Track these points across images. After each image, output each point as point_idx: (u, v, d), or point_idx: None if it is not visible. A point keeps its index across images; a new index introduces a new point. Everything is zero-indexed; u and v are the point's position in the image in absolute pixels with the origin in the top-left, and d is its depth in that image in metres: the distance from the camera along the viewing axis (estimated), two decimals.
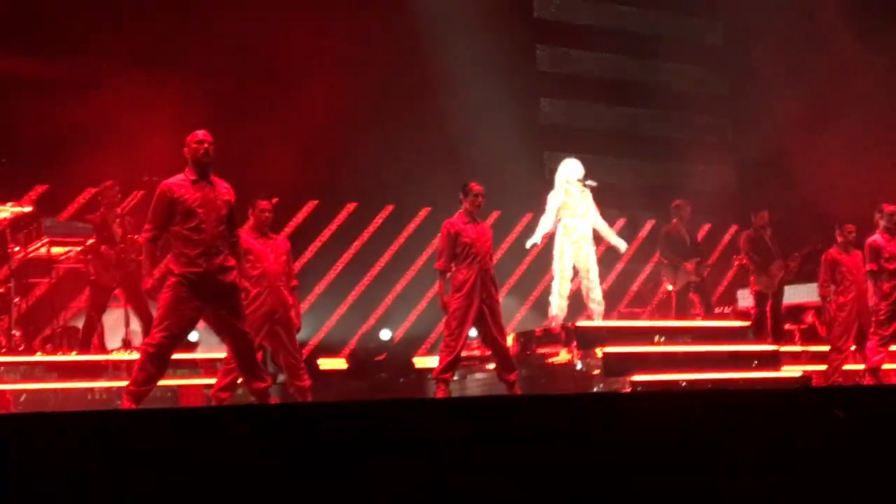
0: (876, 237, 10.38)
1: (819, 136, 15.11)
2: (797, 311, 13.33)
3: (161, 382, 7.44)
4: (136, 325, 9.93)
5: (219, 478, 4.31)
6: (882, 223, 10.39)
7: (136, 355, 7.92)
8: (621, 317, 13.94)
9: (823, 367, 11.13)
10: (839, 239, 11.00)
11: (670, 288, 12.21)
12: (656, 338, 10.27)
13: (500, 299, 9.13)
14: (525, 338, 10.23)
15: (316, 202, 14.60)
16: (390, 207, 15.23)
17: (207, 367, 9.53)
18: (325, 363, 12.96)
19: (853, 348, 11.07)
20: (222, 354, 8.08)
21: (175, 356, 7.31)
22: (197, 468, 4.31)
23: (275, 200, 8.96)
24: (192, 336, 10.29)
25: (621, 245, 10.38)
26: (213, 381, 8.56)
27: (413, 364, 13.00)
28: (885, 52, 15.32)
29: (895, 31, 15.11)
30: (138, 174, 9.87)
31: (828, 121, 15.42)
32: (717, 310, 12.79)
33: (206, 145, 7.04)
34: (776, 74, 16.14)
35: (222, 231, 7.04)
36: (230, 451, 4.40)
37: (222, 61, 13.36)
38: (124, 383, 7.48)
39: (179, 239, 6.95)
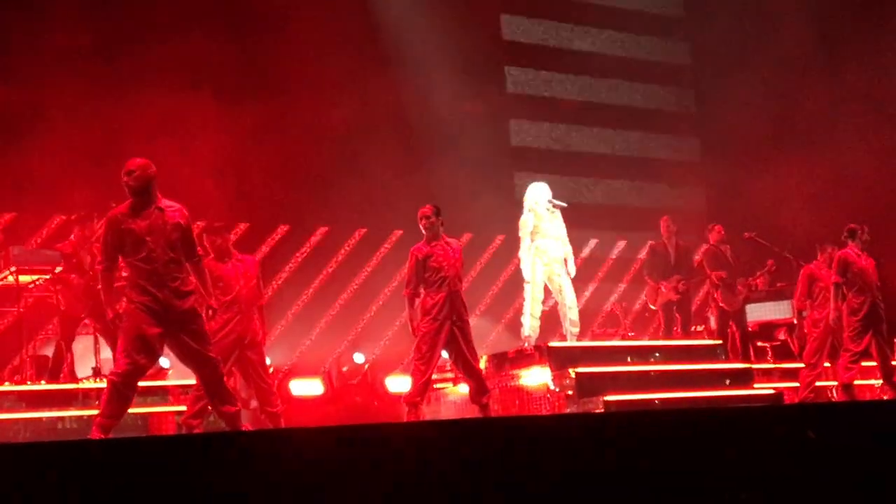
0: (848, 251, 10.48)
1: (785, 158, 15.27)
2: (769, 329, 13.41)
3: (131, 410, 7.39)
4: (106, 353, 9.83)
5: None
6: (851, 239, 10.53)
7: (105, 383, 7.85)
8: (594, 337, 13.97)
9: (796, 385, 11.19)
10: (820, 256, 11.13)
11: (653, 307, 12.29)
12: (628, 358, 10.29)
13: (473, 321, 9.13)
14: (498, 359, 10.21)
15: (287, 227, 14.53)
16: (363, 231, 15.18)
17: (178, 393, 9.46)
18: (299, 387, 12.88)
19: (826, 364, 11.14)
20: (192, 381, 8.01)
21: (145, 383, 7.25)
22: (169, 498, 4.26)
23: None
24: (164, 362, 10.21)
25: (571, 272, 10.35)
26: (183, 408, 8.51)
27: (386, 387, 12.94)
28: (849, 78, 15.54)
29: (862, 57, 15.35)
30: (105, 202, 9.81)
31: (793, 144, 15.60)
32: (692, 328, 12.84)
33: (124, 178, 6.92)
34: (744, 95, 16.24)
35: (174, 257, 6.97)
36: (203, 479, 4.36)
37: (191, 81, 13.29)
38: (95, 412, 7.40)
39: (132, 268, 6.93)
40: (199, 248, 7.32)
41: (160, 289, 6.87)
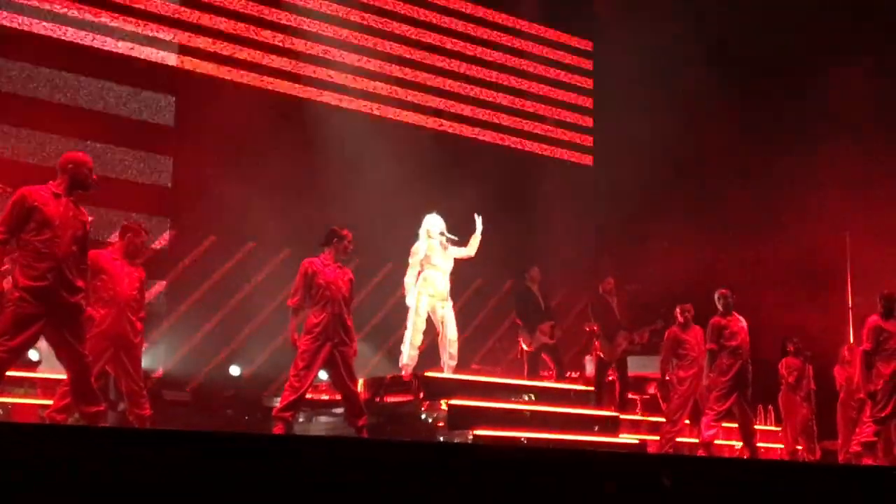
0: (717, 317, 10.89)
1: (669, 217, 15.76)
2: (641, 382, 13.72)
3: None
4: None
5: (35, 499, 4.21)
6: (719, 305, 10.93)
7: None
8: (473, 373, 14.05)
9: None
10: (679, 318, 11.48)
11: (526, 348, 12.43)
12: (525, 397, 10.47)
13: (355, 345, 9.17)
14: (374, 384, 10.26)
15: (174, 232, 14.32)
16: (251, 245, 15.01)
17: (47, 387, 9.29)
18: (170, 394, 12.71)
19: (687, 422, 11.48)
20: (63, 376, 7.90)
21: (15, 373, 7.13)
22: (21, 486, 4.20)
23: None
24: (34, 355, 9.99)
25: (472, 249, 10.49)
26: (50, 402, 8.36)
27: (262, 403, 12.83)
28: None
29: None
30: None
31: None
32: (567, 373, 13.06)
33: (93, 174, 7.15)
34: (634, 142, 16.62)
35: (74, 251, 6.98)
36: (51, 472, 4.30)
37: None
38: None
39: (29, 250, 6.86)
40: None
41: (55, 276, 6.84)
